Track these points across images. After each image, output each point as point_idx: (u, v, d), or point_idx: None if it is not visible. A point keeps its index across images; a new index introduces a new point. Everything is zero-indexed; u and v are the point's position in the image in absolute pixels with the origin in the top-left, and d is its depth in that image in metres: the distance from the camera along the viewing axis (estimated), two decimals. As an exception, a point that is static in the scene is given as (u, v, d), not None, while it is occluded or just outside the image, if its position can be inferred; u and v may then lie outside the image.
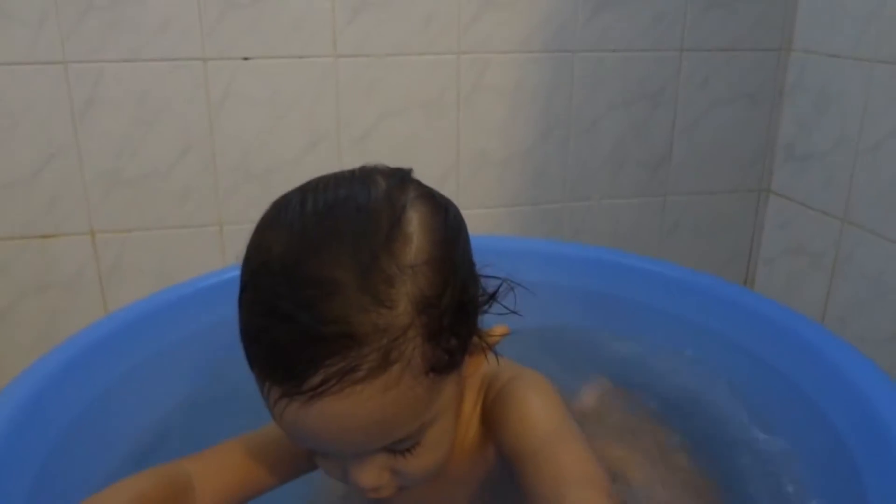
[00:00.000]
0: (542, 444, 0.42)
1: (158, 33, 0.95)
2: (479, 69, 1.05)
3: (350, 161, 0.64)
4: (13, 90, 0.93)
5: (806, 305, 1.12)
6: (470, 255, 0.44)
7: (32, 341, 1.02)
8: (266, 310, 0.37)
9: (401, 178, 0.42)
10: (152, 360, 0.73)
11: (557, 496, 0.39)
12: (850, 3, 1.01)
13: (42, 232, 0.99)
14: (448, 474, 0.50)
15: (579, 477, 0.40)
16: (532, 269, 0.84)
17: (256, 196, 1.03)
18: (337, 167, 0.44)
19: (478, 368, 0.46)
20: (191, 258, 1.04)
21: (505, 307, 0.45)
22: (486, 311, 0.45)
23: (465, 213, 0.46)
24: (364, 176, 0.42)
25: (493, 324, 0.46)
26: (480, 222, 1.11)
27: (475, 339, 0.43)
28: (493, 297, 0.45)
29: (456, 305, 0.39)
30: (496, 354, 0.46)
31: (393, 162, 0.45)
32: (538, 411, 0.45)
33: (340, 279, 0.36)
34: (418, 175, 0.44)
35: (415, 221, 0.39)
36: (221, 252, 1.05)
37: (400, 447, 0.41)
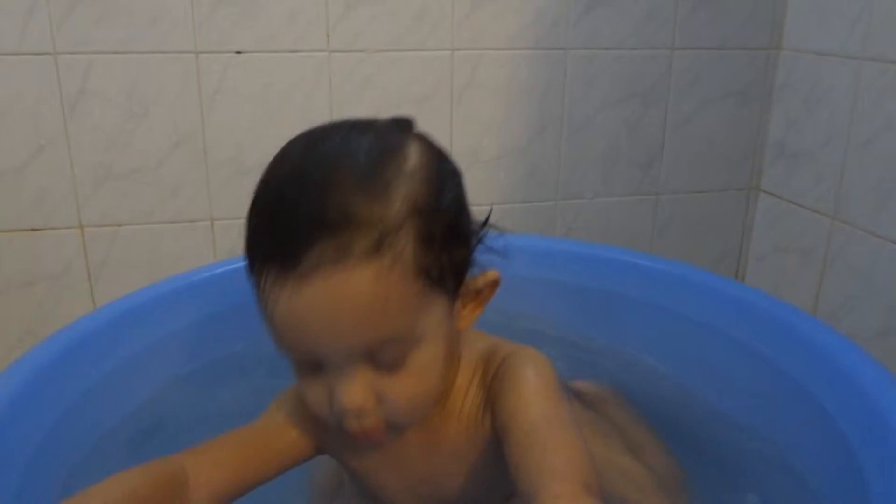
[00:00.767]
0: (533, 427, 0.43)
1: (150, 25, 0.94)
2: (472, 66, 1.05)
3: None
4: (1, 81, 0.92)
5: (796, 302, 1.12)
6: (464, 195, 0.47)
7: (19, 336, 1.01)
8: (273, 197, 0.43)
9: (409, 122, 0.48)
10: (143, 354, 0.73)
11: (538, 485, 0.39)
12: (838, 1, 1.02)
13: (30, 225, 0.98)
14: (444, 446, 0.50)
15: (562, 468, 0.40)
16: (524, 266, 0.85)
17: (248, 191, 1.01)
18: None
19: (472, 320, 0.49)
20: (181, 253, 1.03)
21: (493, 249, 0.49)
22: (477, 243, 0.48)
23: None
24: (374, 120, 0.47)
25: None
26: (473, 219, 1.11)
27: (468, 283, 0.47)
28: (485, 223, 0.49)
29: (448, 221, 0.44)
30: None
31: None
32: (535, 392, 0.45)
33: (344, 179, 0.41)
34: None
35: (417, 150, 0.45)
36: (213, 247, 1.04)
37: (385, 357, 0.43)
